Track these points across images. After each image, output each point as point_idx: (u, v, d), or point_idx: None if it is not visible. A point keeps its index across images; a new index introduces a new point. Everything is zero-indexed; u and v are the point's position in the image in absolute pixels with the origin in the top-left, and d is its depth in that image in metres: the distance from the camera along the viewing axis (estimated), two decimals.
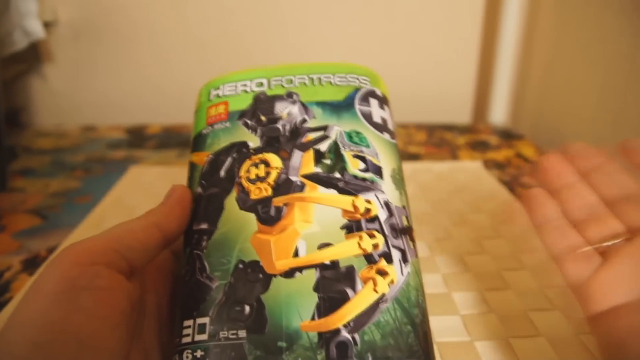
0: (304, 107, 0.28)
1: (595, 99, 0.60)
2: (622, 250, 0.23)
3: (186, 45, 0.77)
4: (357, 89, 0.30)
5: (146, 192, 0.52)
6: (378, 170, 0.26)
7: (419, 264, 0.24)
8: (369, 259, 0.23)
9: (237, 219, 0.24)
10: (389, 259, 0.23)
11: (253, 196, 0.25)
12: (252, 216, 0.24)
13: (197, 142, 0.29)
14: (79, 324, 0.18)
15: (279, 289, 0.22)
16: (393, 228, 0.24)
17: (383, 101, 0.30)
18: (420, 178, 0.55)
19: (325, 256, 0.23)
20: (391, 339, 0.21)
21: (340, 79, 0.30)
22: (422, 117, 0.79)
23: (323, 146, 0.27)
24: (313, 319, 0.21)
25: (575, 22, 0.64)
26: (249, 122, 0.28)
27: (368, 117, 0.28)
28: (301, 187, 0.25)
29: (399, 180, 0.27)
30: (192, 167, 0.28)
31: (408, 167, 0.57)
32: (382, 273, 0.23)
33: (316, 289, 0.22)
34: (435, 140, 0.70)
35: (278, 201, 0.25)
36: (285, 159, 0.26)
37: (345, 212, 0.24)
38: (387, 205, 0.25)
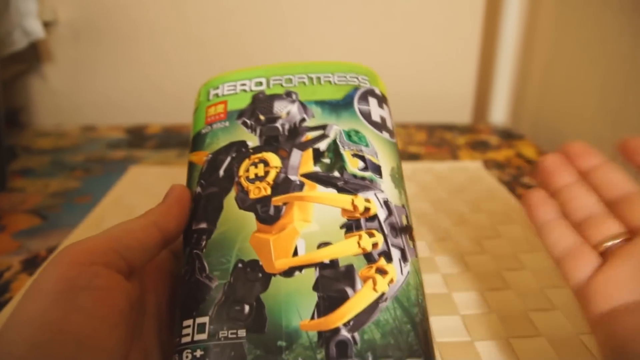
0: (303, 106, 0.28)
1: (596, 99, 0.60)
2: (622, 250, 0.23)
3: (186, 45, 0.77)
4: (356, 88, 0.29)
5: (146, 192, 0.52)
6: (377, 169, 0.26)
7: (418, 263, 0.24)
8: (369, 258, 0.23)
9: (236, 219, 0.24)
10: (388, 257, 0.23)
11: (252, 195, 0.25)
12: (251, 215, 0.24)
13: (196, 141, 0.29)
14: (78, 323, 0.18)
15: (278, 288, 0.22)
16: (392, 227, 0.24)
17: (382, 100, 0.30)
18: (420, 178, 0.55)
19: (325, 255, 0.23)
20: (391, 338, 0.21)
21: (339, 78, 0.30)
22: (422, 117, 0.79)
23: (322, 145, 0.27)
24: (313, 318, 0.21)
25: (575, 22, 0.64)
26: (248, 121, 0.28)
27: (367, 116, 0.28)
28: (300, 186, 0.25)
29: (398, 179, 0.27)
30: (191, 166, 0.28)
31: (408, 167, 0.57)
32: (382, 272, 0.23)
33: (316, 288, 0.22)
34: (435, 140, 0.70)
35: (277, 200, 0.25)
36: (285, 158, 0.26)
37: (344, 211, 0.24)
38: (386, 204, 0.25)
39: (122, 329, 0.20)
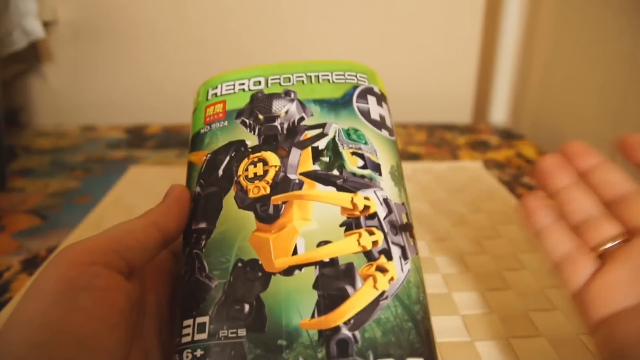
0: (302, 105, 0.28)
1: (596, 99, 0.60)
2: (620, 252, 0.23)
3: (186, 45, 0.77)
4: (354, 87, 0.29)
5: (146, 192, 0.52)
6: (376, 168, 0.26)
7: (419, 261, 0.24)
8: (369, 256, 0.23)
9: (235, 218, 0.24)
10: (388, 255, 0.23)
11: (251, 195, 0.25)
12: (250, 215, 0.24)
13: (195, 141, 0.28)
14: (78, 323, 0.18)
15: (278, 287, 0.22)
16: (392, 225, 0.24)
17: (381, 98, 0.30)
18: (420, 178, 0.55)
19: (325, 254, 0.23)
20: (392, 336, 0.21)
21: (337, 77, 0.30)
22: (422, 117, 0.79)
23: (321, 144, 0.27)
24: (313, 316, 0.21)
25: (575, 22, 0.64)
26: (246, 120, 0.28)
27: (366, 114, 0.28)
28: (299, 185, 0.25)
29: (398, 177, 0.27)
30: (191, 166, 0.28)
31: (408, 167, 0.57)
32: (382, 270, 0.22)
33: (316, 286, 0.22)
34: (436, 140, 0.70)
35: (276, 199, 0.25)
36: (284, 157, 0.26)
37: (344, 209, 0.24)
38: (386, 202, 0.25)
39: (122, 329, 0.20)
